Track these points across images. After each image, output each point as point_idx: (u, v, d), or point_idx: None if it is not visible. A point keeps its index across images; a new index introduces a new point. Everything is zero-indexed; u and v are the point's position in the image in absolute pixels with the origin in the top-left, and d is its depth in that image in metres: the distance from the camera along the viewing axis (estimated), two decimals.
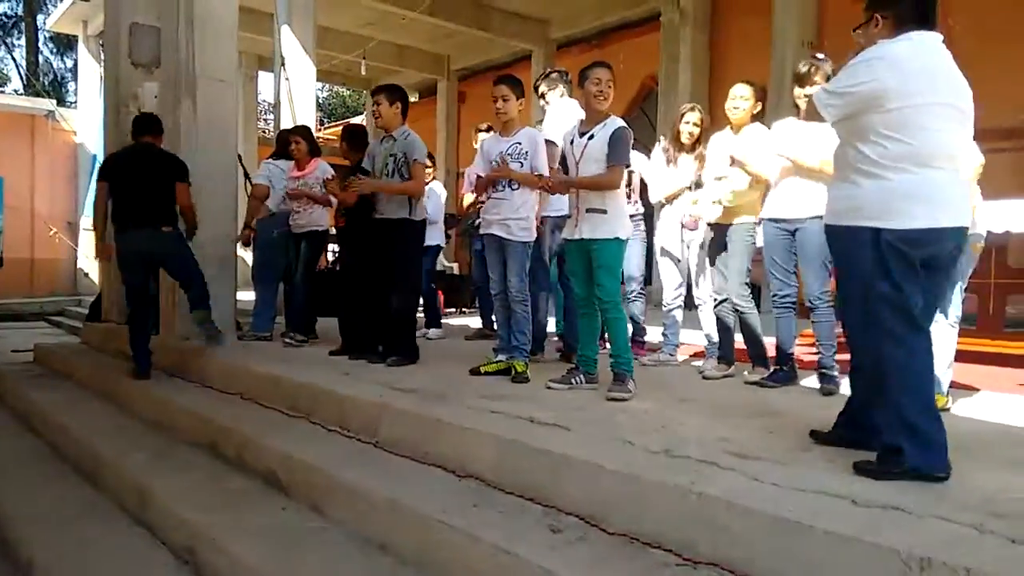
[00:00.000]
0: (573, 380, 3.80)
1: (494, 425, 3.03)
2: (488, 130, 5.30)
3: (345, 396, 3.73)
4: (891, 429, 2.30)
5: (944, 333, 3.41)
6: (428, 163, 6.17)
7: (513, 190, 4.11)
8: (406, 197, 4.53)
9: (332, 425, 3.68)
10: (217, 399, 4.47)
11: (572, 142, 3.82)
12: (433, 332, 6.16)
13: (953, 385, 3.61)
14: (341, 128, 6.29)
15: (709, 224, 4.26)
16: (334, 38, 13.74)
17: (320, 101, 30.64)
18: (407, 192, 4.50)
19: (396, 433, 3.34)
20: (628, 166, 3.84)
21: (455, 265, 11.15)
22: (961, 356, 4.63)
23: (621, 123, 3.73)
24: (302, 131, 6.06)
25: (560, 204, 4.35)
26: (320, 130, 18.19)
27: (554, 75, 4.83)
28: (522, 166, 4.09)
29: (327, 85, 26.93)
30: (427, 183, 6.17)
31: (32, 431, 5.02)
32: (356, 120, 19.14)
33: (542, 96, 4.83)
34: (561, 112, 4.56)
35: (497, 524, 2.43)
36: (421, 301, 6.52)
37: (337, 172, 5.42)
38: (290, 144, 5.85)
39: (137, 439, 4.18)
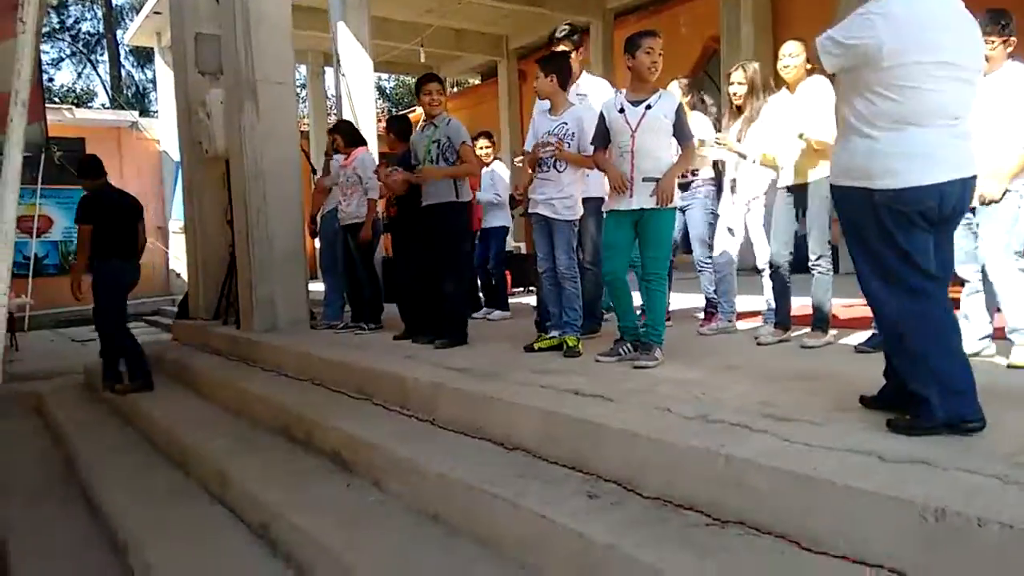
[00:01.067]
0: (620, 351, 3.85)
1: (540, 399, 3.13)
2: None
3: (405, 377, 3.91)
4: (918, 380, 2.29)
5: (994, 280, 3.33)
6: (485, 143, 6.28)
7: (560, 171, 4.17)
8: (452, 181, 4.65)
9: (394, 405, 3.87)
10: (289, 385, 4.74)
11: (623, 110, 3.77)
12: (496, 314, 6.26)
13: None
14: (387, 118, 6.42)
15: (787, 187, 4.13)
16: (392, 28, 13.96)
17: (388, 91, 31.19)
18: (467, 174, 4.63)
19: (451, 411, 3.49)
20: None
21: (522, 244, 11.25)
22: None
23: (675, 96, 3.82)
24: (342, 126, 6.28)
25: (596, 187, 4.39)
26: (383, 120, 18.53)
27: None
28: (568, 147, 4.14)
29: (392, 75, 27.33)
30: (488, 164, 6.30)
31: (129, 424, 5.43)
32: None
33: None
34: (597, 92, 4.61)
35: (538, 492, 2.55)
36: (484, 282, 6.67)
37: (384, 162, 5.58)
38: (332, 141, 6.05)
39: (217, 426, 4.50)
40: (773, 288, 4.28)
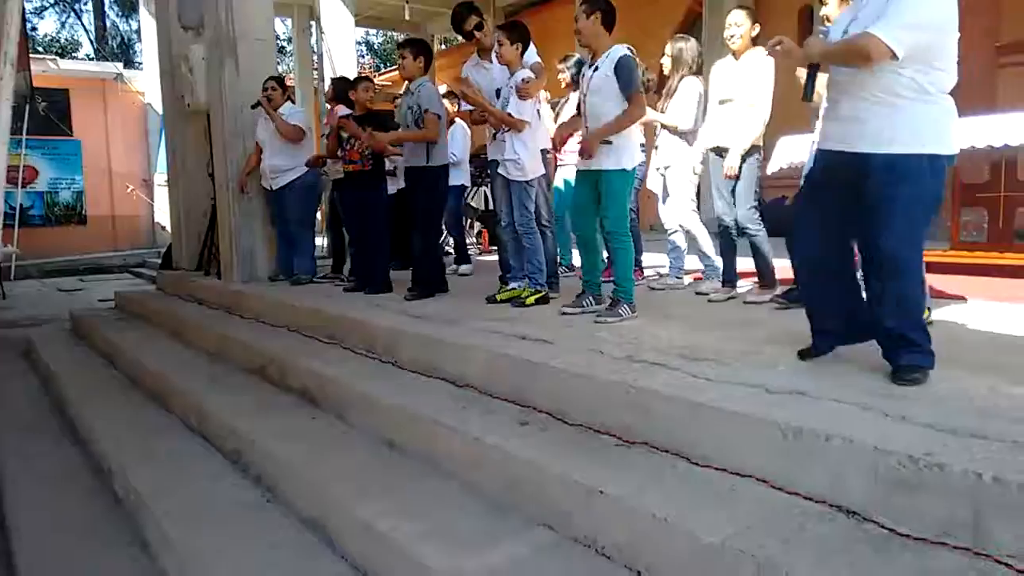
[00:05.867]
0: (583, 303, 4.09)
1: (489, 341, 3.45)
2: (564, 60, 5.49)
3: (371, 323, 4.21)
4: (918, 331, 2.51)
5: None
6: (448, 110, 6.47)
7: (506, 131, 4.41)
8: (424, 146, 4.89)
9: (361, 349, 4.18)
10: (266, 331, 5.05)
11: (584, 77, 3.99)
12: (464, 268, 6.55)
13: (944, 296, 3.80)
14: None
15: (712, 149, 4.44)
16: None
17: (375, 47, 30.97)
18: (419, 139, 4.85)
19: (411, 353, 3.80)
20: (642, 90, 3.96)
21: None
22: (972, 269, 4.83)
23: (625, 50, 3.81)
24: (334, 82, 6.48)
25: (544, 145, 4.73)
26: (375, 76, 18.50)
27: None
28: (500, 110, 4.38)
29: (381, 31, 27.11)
30: (451, 122, 6.51)
31: (114, 366, 5.73)
32: None
33: None
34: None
35: (478, 421, 2.88)
36: (452, 240, 6.97)
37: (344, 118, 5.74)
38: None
39: (199, 368, 4.81)
40: (720, 246, 4.58)
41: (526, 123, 4.31)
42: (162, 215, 15.57)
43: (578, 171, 4.11)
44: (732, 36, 4.26)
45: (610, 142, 3.85)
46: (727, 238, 4.49)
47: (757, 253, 4.35)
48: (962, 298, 4.10)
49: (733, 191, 4.32)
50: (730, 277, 4.57)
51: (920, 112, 2.47)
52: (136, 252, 15.44)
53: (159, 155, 14.74)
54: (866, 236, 2.57)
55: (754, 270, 4.43)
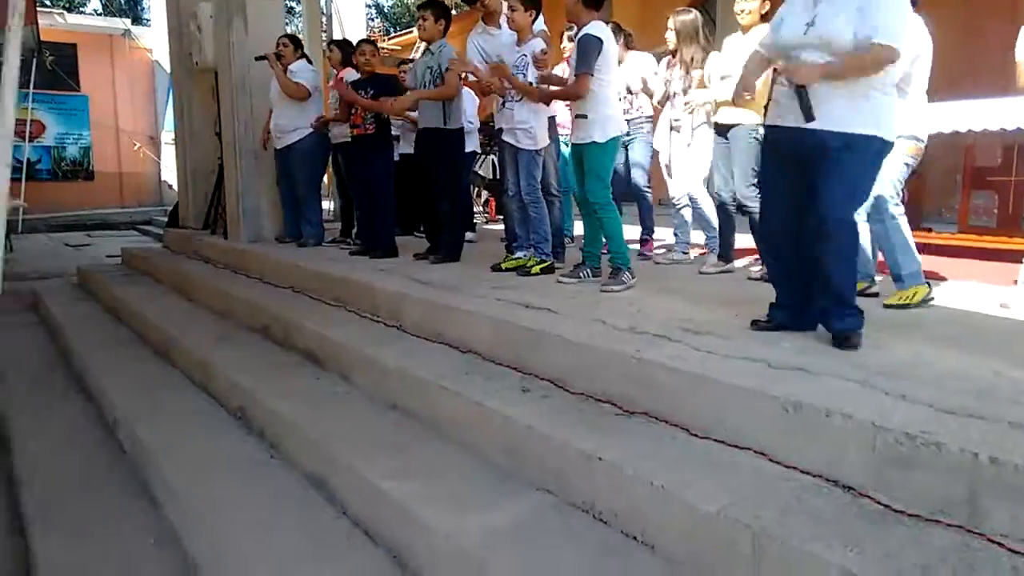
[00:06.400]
0: (581, 274, 4.15)
1: (494, 309, 3.46)
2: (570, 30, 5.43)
3: (375, 287, 4.23)
4: (852, 294, 2.76)
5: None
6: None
7: (516, 100, 4.39)
8: (440, 106, 4.84)
9: (365, 312, 4.21)
10: (272, 291, 5.07)
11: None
12: (468, 235, 6.52)
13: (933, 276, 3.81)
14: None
15: (715, 124, 4.43)
16: None
17: (385, 10, 30.59)
18: (438, 96, 4.80)
19: (415, 318, 3.82)
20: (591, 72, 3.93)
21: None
22: (979, 254, 4.82)
23: (592, 29, 3.87)
24: (337, 46, 6.42)
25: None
26: (384, 40, 18.27)
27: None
28: (524, 77, 4.35)
29: None
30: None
31: (120, 321, 5.77)
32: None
33: None
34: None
35: (481, 386, 2.90)
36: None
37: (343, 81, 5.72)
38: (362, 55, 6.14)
39: (203, 325, 4.84)
40: (719, 222, 4.59)
41: (544, 92, 4.27)
42: (169, 173, 15.56)
43: (572, 145, 4.20)
44: (742, 11, 4.24)
45: (586, 116, 3.93)
46: (724, 214, 4.52)
47: (755, 228, 4.35)
48: (965, 278, 4.11)
49: (732, 168, 4.33)
50: (725, 252, 4.59)
51: (876, 100, 2.66)
52: (143, 209, 15.47)
53: (167, 113, 14.68)
54: (811, 205, 2.71)
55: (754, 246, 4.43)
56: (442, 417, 2.89)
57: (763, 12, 4.24)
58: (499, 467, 2.54)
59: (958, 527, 1.73)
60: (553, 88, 4.01)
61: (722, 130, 4.34)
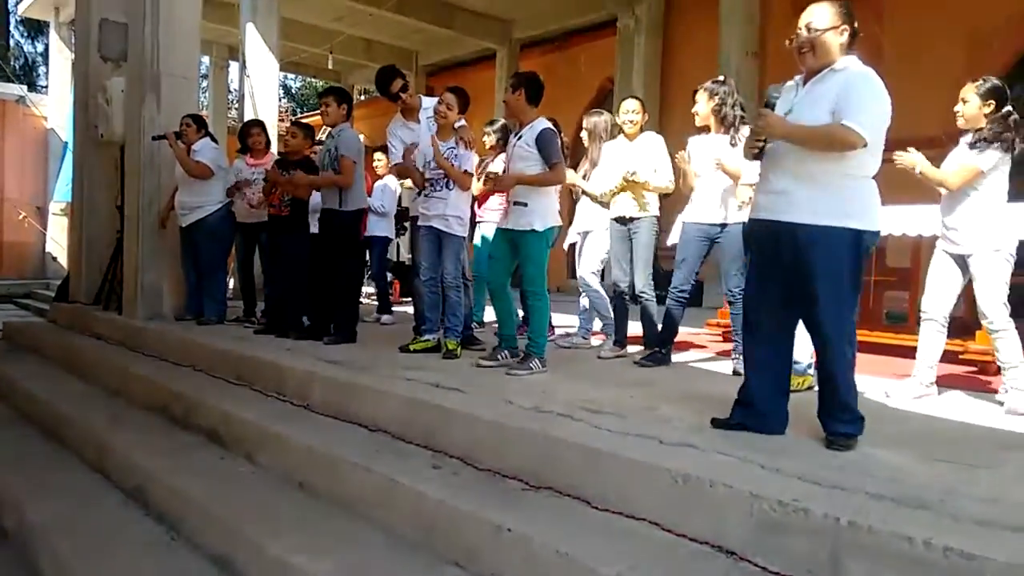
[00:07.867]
0: (499, 356, 4.26)
1: (403, 388, 3.57)
2: (491, 124, 5.73)
3: (283, 366, 4.25)
4: (852, 398, 2.71)
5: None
6: (380, 155, 6.66)
7: (450, 189, 4.59)
8: (336, 190, 5.00)
9: (271, 391, 4.21)
10: (172, 370, 4.98)
11: (510, 144, 4.31)
12: (385, 318, 6.62)
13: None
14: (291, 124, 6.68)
15: (615, 219, 4.78)
16: (303, 31, 14.11)
17: (293, 92, 30.89)
18: (334, 184, 4.97)
19: (325, 397, 3.87)
20: (564, 160, 4.24)
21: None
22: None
23: (546, 124, 4.16)
24: (261, 124, 6.54)
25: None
26: (287, 120, 18.44)
27: None
28: (454, 167, 4.60)
29: (300, 76, 27.12)
30: (381, 177, 6.68)
31: (4, 399, 5.47)
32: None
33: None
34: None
35: (391, 463, 2.99)
36: (374, 288, 7.05)
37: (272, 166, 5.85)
38: (249, 137, 6.30)
39: (97, 403, 4.70)
40: (614, 310, 4.89)
41: (473, 178, 4.53)
42: (54, 245, 14.89)
43: (498, 228, 4.42)
44: (629, 122, 4.68)
45: (526, 204, 4.13)
46: (621, 303, 4.83)
47: (645, 316, 4.69)
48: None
49: (631, 260, 4.68)
50: (620, 339, 4.88)
51: (848, 189, 2.65)
52: (22, 282, 14.65)
53: (58, 182, 14.19)
54: (803, 306, 2.75)
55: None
56: (352, 495, 2.94)
57: (643, 123, 4.74)
58: (411, 542, 2.61)
59: None
60: (528, 174, 4.09)
61: (624, 222, 4.69)
